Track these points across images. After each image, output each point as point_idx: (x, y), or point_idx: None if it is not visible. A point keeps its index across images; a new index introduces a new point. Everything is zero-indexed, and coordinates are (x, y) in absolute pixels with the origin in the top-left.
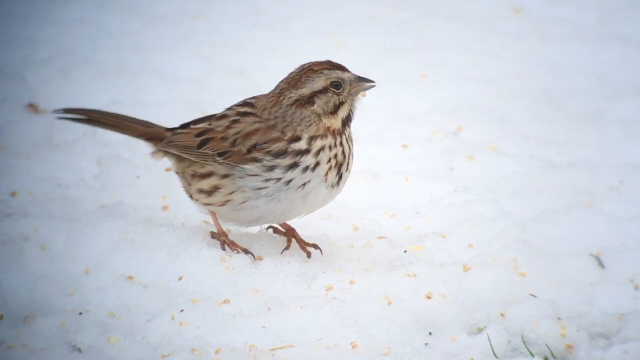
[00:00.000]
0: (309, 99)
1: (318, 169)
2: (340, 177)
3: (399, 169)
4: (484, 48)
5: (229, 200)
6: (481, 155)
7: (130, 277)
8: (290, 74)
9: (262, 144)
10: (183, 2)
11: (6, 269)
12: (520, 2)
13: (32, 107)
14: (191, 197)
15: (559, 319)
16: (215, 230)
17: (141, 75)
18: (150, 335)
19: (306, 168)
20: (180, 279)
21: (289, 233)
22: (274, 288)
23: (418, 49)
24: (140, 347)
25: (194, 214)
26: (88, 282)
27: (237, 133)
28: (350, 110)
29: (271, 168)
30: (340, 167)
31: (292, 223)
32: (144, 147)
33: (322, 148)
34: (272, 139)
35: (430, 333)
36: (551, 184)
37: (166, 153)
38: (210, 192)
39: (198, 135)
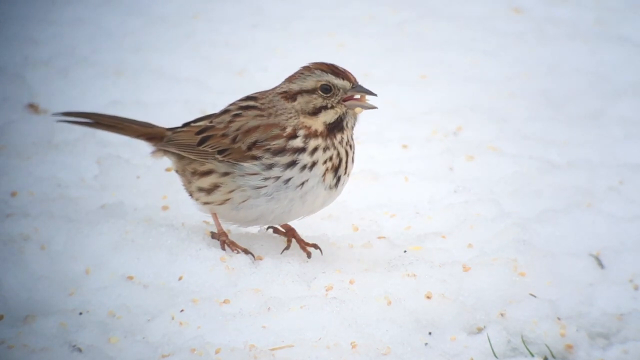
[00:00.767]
0: (294, 95)
1: (315, 169)
2: (338, 180)
3: (399, 169)
4: (484, 48)
5: (228, 199)
6: (481, 155)
7: (131, 277)
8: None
9: (262, 141)
10: (183, 2)
11: (6, 269)
12: (520, 2)
13: (32, 107)
14: (191, 195)
15: (559, 319)
16: (216, 231)
17: (141, 75)
18: (150, 335)
19: (304, 167)
20: (180, 279)
21: (289, 233)
22: (274, 288)
23: (418, 49)
24: (140, 347)
25: (194, 214)
26: (88, 282)
27: (238, 129)
28: (340, 117)
29: (270, 166)
30: (337, 170)
31: (292, 223)
32: (144, 147)
33: (317, 148)
34: (272, 136)
35: (430, 333)
36: (551, 184)
37: (166, 152)
38: (210, 191)
39: (198, 132)
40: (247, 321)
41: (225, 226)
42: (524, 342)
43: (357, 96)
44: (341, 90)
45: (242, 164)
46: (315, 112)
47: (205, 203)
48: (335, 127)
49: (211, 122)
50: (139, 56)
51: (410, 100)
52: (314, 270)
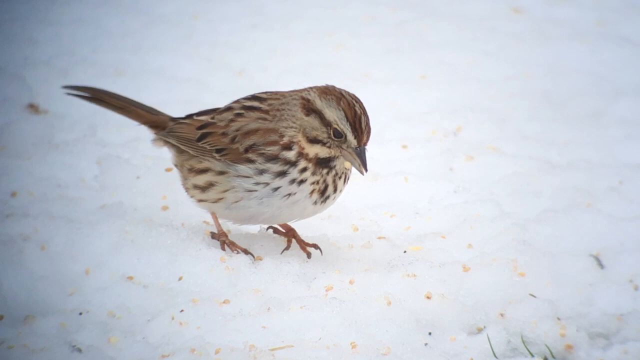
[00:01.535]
0: (310, 112)
1: (303, 186)
2: (327, 198)
3: (399, 169)
4: (484, 48)
5: (222, 198)
6: (481, 156)
7: (130, 278)
8: (328, 85)
9: (259, 145)
10: (183, 2)
11: (6, 269)
12: (520, 2)
13: (32, 108)
14: (187, 191)
15: (559, 319)
16: (216, 231)
17: (141, 75)
18: (150, 335)
19: (293, 180)
20: (180, 279)
21: (289, 233)
22: (274, 288)
23: (418, 49)
24: (140, 347)
25: (194, 214)
26: (88, 282)
27: (237, 129)
28: (331, 158)
29: (262, 172)
30: (323, 192)
31: (292, 223)
32: (144, 147)
33: (306, 169)
34: (269, 141)
35: (430, 333)
36: (551, 184)
37: (166, 143)
38: (204, 188)
39: (199, 128)
40: (247, 321)
41: (225, 226)
42: (523, 342)
43: None
44: (347, 144)
45: (237, 165)
46: (314, 141)
47: (200, 200)
48: (324, 163)
49: (213, 118)
50: (139, 56)
51: (410, 100)
52: (314, 270)
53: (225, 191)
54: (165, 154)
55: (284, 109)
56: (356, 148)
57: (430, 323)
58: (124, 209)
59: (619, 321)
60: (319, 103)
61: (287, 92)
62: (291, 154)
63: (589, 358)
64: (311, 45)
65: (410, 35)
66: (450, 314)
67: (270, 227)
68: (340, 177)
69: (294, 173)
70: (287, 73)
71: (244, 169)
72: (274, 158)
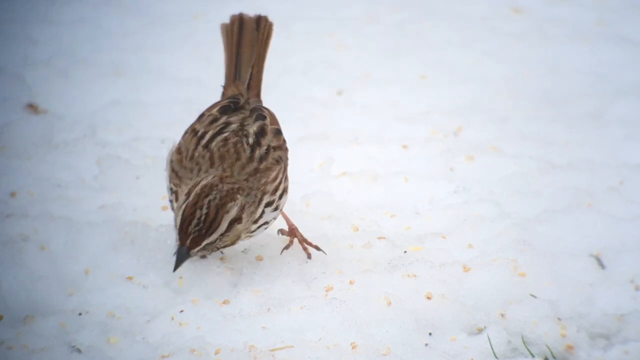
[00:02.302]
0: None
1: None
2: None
3: (399, 169)
4: (484, 48)
5: None
6: (481, 156)
7: (130, 278)
8: (227, 181)
9: (170, 161)
10: (183, 2)
11: (6, 269)
12: (520, 2)
13: (32, 108)
14: None
15: (559, 319)
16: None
17: (141, 76)
18: (150, 335)
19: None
20: (180, 279)
21: (291, 232)
22: (274, 288)
23: (418, 49)
24: (140, 348)
25: None
26: (88, 282)
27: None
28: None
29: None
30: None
31: (295, 223)
32: (143, 147)
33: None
34: (176, 169)
35: (430, 333)
36: (551, 185)
37: None
38: None
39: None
40: (247, 322)
41: None
42: (524, 342)
43: None
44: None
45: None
46: (188, 194)
47: None
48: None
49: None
50: (139, 56)
51: (410, 100)
52: (314, 270)
53: None
54: (165, 154)
55: (190, 177)
56: (178, 244)
57: (431, 323)
58: (124, 209)
59: (619, 321)
60: (181, 196)
61: (219, 160)
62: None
63: (589, 358)
64: (311, 45)
65: (410, 35)
66: (451, 314)
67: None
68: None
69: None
70: (287, 73)
71: (168, 169)
72: (171, 181)
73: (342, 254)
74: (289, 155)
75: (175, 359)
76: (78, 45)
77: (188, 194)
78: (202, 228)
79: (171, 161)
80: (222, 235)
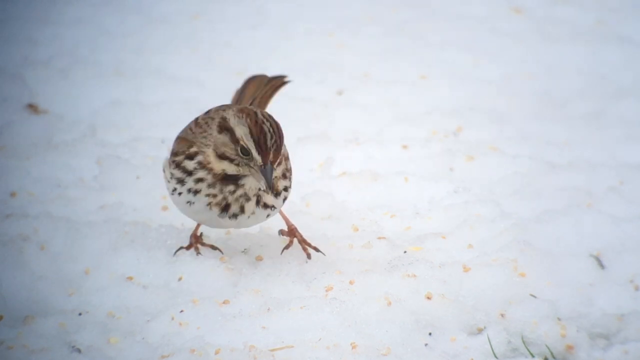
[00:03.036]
0: (223, 129)
1: (199, 196)
2: (234, 215)
3: (399, 169)
4: (484, 48)
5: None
6: (481, 156)
7: (130, 278)
8: (247, 106)
9: (174, 152)
10: (183, 2)
11: (6, 269)
12: (520, 2)
13: (32, 108)
14: None
15: (559, 319)
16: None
17: (141, 75)
18: (150, 335)
19: (189, 189)
20: (180, 279)
21: (291, 232)
22: (274, 288)
23: (418, 49)
24: (140, 348)
25: None
26: (88, 282)
27: (176, 136)
28: (239, 175)
29: (171, 176)
30: (225, 209)
31: (295, 223)
32: (143, 147)
33: (202, 180)
34: (179, 150)
35: (430, 333)
36: (551, 185)
37: None
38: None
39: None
40: (247, 322)
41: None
42: (524, 342)
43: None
44: (253, 162)
45: (165, 166)
46: (222, 157)
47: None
48: (230, 180)
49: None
50: (139, 56)
51: (410, 100)
52: (314, 270)
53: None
54: (165, 154)
55: (207, 125)
56: (261, 166)
57: (431, 323)
58: (124, 209)
59: (619, 321)
60: (232, 121)
61: (224, 107)
62: (190, 164)
63: (589, 358)
64: (311, 45)
65: (410, 35)
66: (451, 314)
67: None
68: (249, 199)
69: (189, 182)
70: (287, 73)
71: (166, 170)
72: (178, 166)
73: (342, 254)
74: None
75: (175, 359)
76: (78, 45)
77: (225, 122)
78: (276, 139)
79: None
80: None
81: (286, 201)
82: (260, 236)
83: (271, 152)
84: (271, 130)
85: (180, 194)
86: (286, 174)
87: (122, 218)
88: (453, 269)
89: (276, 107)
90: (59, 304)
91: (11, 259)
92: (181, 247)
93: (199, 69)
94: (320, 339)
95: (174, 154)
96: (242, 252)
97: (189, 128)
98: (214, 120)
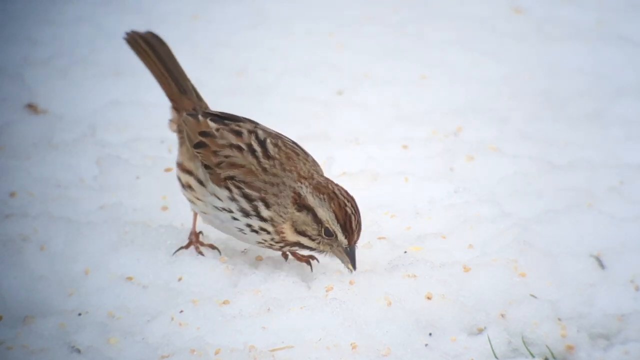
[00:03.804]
0: (302, 208)
1: (256, 235)
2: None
3: (399, 169)
4: (484, 48)
5: (194, 203)
6: (481, 156)
7: (130, 278)
8: (321, 181)
9: (239, 180)
10: (183, 2)
11: (5, 269)
12: (520, 2)
13: (32, 108)
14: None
15: (560, 319)
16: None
17: (141, 75)
18: (149, 336)
19: (249, 225)
20: (179, 279)
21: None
22: (274, 289)
23: (418, 49)
24: (139, 348)
25: (192, 214)
26: (87, 282)
27: (227, 157)
28: (315, 250)
29: (232, 200)
30: (270, 247)
31: None
32: (143, 148)
33: (268, 232)
34: (250, 184)
35: (430, 334)
36: (551, 185)
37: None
38: (184, 186)
39: (201, 133)
40: (247, 322)
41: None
42: (524, 342)
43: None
44: (337, 243)
45: (215, 186)
46: (301, 234)
47: (183, 194)
48: (302, 248)
49: (218, 130)
50: None
51: (410, 100)
52: (314, 270)
53: (198, 199)
54: (165, 154)
55: (277, 189)
56: (346, 247)
57: (431, 323)
58: (124, 209)
59: (619, 322)
60: (311, 200)
61: (289, 162)
62: (265, 213)
63: (589, 359)
64: (311, 45)
65: (410, 35)
66: (451, 315)
67: None
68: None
69: (254, 222)
70: (287, 73)
71: (220, 191)
72: (248, 198)
73: None
74: None
75: (175, 359)
76: (78, 45)
77: (302, 200)
78: (359, 220)
79: (231, 177)
80: None
81: None
82: None
83: (355, 234)
84: (353, 211)
85: (235, 219)
86: None
87: (122, 218)
88: (453, 269)
89: (277, 107)
90: (59, 304)
91: (11, 259)
92: (181, 247)
93: (198, 69)
94: (320, 339)
95: (231, 177)
96: (242, 252)
97: (253, 169)
98: (284, 193)
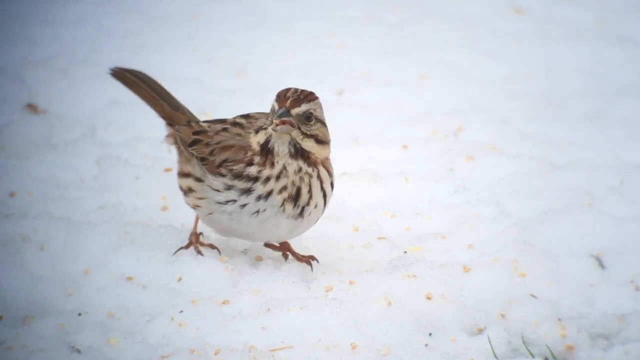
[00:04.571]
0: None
1: (271, 199)
2: (302, 210)
3: (399, 169)
4: (484, 48)
5: (199, 206)
6: (481, 156)
7: (130, 278)
8: None
9: (230, 162)
10: (183, 2)
11: (5, 269)
12: (520, 2)
13: (32, 108)
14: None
15: (560, 319)
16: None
17: None
18: (149, 336)
19: (259, 197)
20: (179, 279)
21: (284, 247)
22: (274, 289)
23: (418, 49)
24: (139, 348)
25: (193, 214)
26: (87, 282)
27: (217, 143)
28: (267, 140)
29: (230, 187)
30: (296, 199)
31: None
32: (143, 148)
33: (269, 178)
34: (237, 159)
35: (430, 334)
36: (551, 185)
37: (175, 142)
38: (186, 192)
39: (194, 133)
40: (247, 322)
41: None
42: (524, 343)
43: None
44: (272, 112)
45: (210, 176)
46: (257, 130)
47: (186, 202)
48: (267, 150)
49: (209, 126)
50: (139, 56)
51: (410, 100)
52: (314, 270)
53: (201, 199)
54: (165, 154)
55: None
56: (276, 112)
57: (431, 324)
58: (124, 210)
59: (619, 322)
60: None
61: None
62: (253, 169)
63: (589, 359)
64: (311, 45)
65: (410, 35)
66: (451, 315)
67: (265, 243)
68: (311, 176)
69: (258, 188)
70: (287, 73)
71: (215, 182)
72: (239, 175)
73: (342, 254)
74: None
75: (175, 359)
76: (78, 45)
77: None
78: (299, 95)
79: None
80: (314, 112)
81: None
82: None
83: (288, 101)
84: (298, 91)
85: (244, 205)
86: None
87: (122, 218)
88: (453, 269)
89: None
90: (59, 304)
91: (11, 259)
92: (181, 248)
93: (198, 69)
94: (320, 339)
95: (224, 161)
96: (242, 252)
97: (238, 134)
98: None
